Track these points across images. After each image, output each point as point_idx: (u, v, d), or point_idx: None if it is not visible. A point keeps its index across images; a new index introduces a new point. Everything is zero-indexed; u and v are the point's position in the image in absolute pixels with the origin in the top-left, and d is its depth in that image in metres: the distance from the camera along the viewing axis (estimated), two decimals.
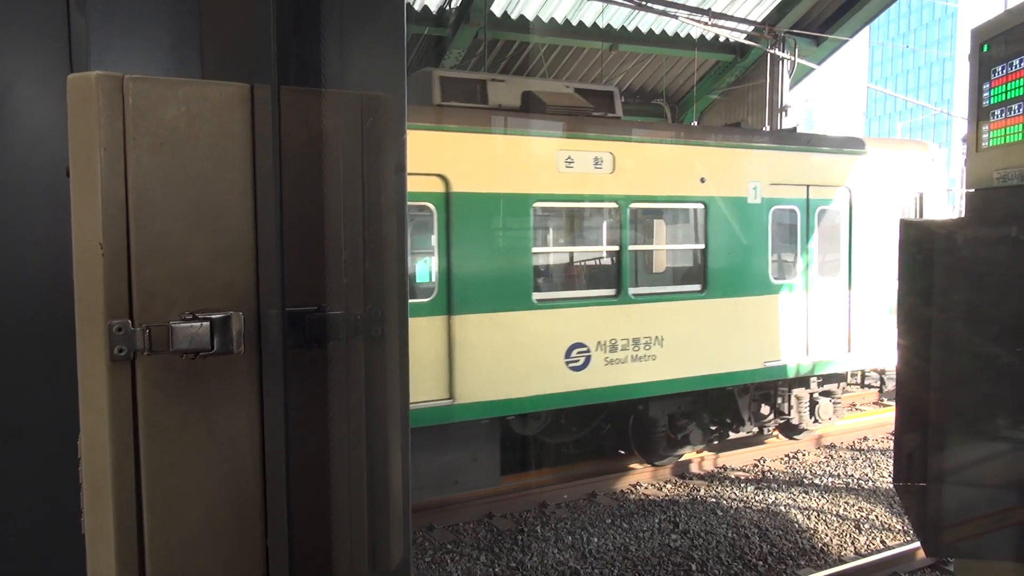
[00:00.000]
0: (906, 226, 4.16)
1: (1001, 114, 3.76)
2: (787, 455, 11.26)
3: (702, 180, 9.20)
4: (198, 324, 1.19)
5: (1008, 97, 3.71)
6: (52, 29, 1.64)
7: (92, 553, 1.25)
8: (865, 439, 12.07)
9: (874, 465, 10.94)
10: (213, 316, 1.20)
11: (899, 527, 8.97)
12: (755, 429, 10.80)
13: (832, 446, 11.72)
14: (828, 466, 10.90)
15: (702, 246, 9.42)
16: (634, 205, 9.07)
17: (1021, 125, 3.59)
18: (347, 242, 1.17)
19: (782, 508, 9.41)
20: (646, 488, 9.98)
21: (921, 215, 10.88)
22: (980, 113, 3.90)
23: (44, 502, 1.89)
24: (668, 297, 9.21)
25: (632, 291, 9.04)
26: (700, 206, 9.36)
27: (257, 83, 1.20)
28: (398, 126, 1.14)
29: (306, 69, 1.14)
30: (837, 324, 10.56)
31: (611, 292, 8.98)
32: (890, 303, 10.66)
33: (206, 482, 1.27)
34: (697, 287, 9.43)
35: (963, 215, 4.05)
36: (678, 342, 9.17)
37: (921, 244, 3.95)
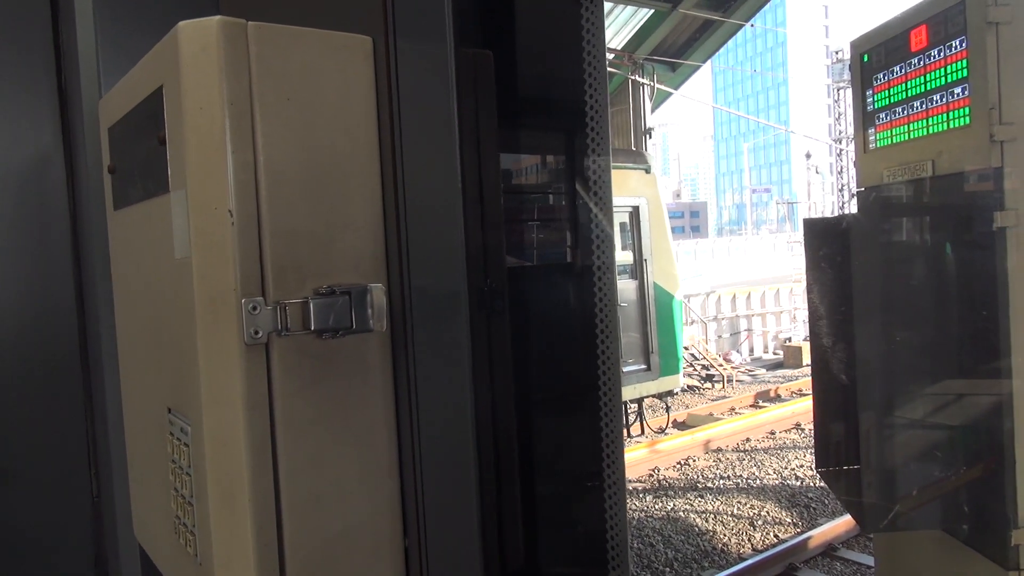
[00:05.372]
0: (808, 224, 4.42)
1: (886, 117, 4.03)
2: (679, 462, 11.58)
3: None
4: (338, 299, 1.05)
5: (891, 101, 3.98)
6: None
7: (223, 572, 1.08)
8: (748, 440, 12.60)
9: (759, 464, 11.42)
10: (352, 290, 1.06)
11: (789, 520, 9.38)
12: None
13: (719, 449, 12.15)
14: (718, 469, 11.28)
15: None
16: None
17: (906, 126, 3.86)
18: (470, 212, 1.06)
19: (680, 514, 9.64)
20: None
21: (637, 231, 10.22)
22: (865, 118, 4.17)
23: None
24: None
25: None
26: None
27: (378, 37, 1.09)
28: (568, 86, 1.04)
29: (430, 22, 1.03)
30: None
31: None
32: None
33: (342, 480, 1.13)
34: None
35: (856, 211, 4.34)
36: None
37: (822, 240, 4.18)
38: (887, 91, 4.01)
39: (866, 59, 4.24)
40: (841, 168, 25.99)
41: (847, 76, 25.43)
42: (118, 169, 1.43)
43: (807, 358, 18.25)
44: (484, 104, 1.06)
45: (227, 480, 1.07)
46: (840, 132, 26.31)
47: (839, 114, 26.42)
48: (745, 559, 8.16)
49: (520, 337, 1.19)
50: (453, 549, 1.13)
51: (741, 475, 10.94)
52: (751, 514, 9.52)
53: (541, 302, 1.26)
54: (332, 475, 1.13)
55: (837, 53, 27.01)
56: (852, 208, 24.91)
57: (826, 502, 9.81)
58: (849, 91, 25.83)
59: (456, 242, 1.04)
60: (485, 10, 1.14)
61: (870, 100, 4.15)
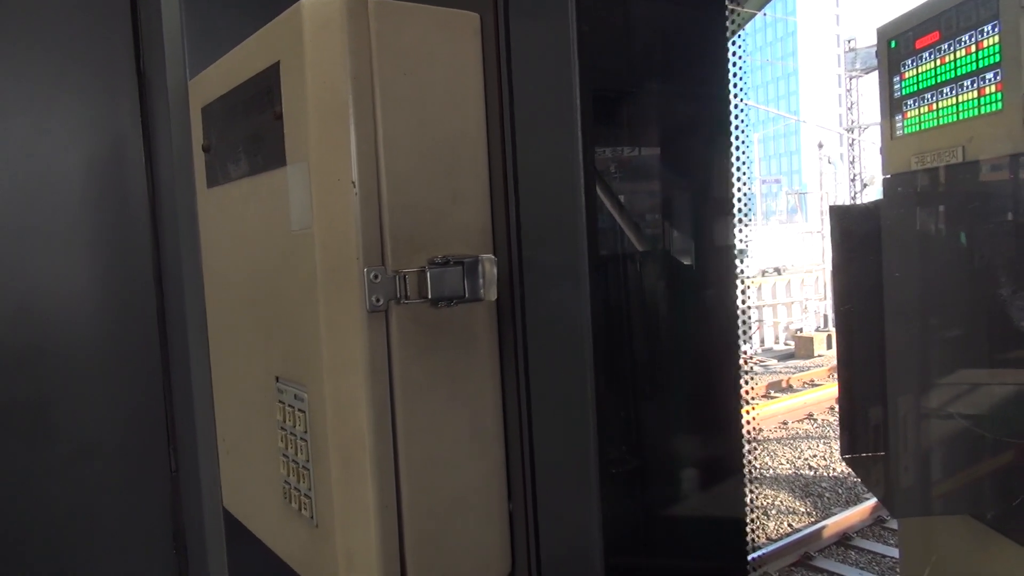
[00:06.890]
0: (833, 211, 4.45)
1: (914, 103, 4.04)
2: None
3: None
4: (452, 269, 1.10)
5: (920, 88, 4.00)
6: None
7: (344, 532, 1.12)
8: (760, 430, 12.63)
9: (772, 454, 11.46)
10: (465, 260, 1.11)
11: (803, 510, 9.43)
12: None
13: None
14: None
15: None
16: None
17: (935, 112, 3.88)
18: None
19: None
20: None
21: None
22: (892, 104, 4.19)
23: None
24: None
25: None
26: None
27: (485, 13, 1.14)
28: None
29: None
30: None
31: None
32: None
33: (455, 446, 1.18)
34: None
35: (882, 198, 4.37)
36: None
37: (848, 227, 4.21)
38: (915, 77, 4.03)
39: (893, 45, 4.25)
40: (853, 158, 25.90)
41: (859, 65, 25.28)
42: (214, 147, 1.48)
43: (819, 348, 18.22)
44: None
45: (349, 444, 1.10)
46: (852, 121, 26.20)
47: (851, 103, 26.29)
48: (759, 547, 8.21)
49: (650, 310, 1.23)
50: (567, 517, 1.17)
51: (754, 464, 10.98)
52: (765, 503, 9.57)
53: (697, 276, 1.31)
54: (446, 441, 1.17)
55: (849, 42, 26.87)
56: (865, 197, 24.83)
57: (840, 492, 9.85)
58: (861, 80, 25.71)
59: (576, 218, 1.07)
60: None
61: (897, 87, 4.17)
